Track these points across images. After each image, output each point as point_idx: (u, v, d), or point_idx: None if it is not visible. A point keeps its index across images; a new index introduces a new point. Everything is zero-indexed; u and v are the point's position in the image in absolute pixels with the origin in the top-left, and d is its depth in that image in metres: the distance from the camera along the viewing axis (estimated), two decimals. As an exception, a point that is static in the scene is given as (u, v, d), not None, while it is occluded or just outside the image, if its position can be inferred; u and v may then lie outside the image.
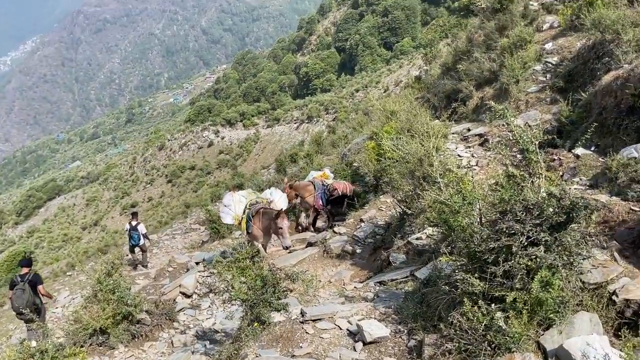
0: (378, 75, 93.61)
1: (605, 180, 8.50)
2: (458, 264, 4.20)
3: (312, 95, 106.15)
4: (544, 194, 4.08)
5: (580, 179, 9.09)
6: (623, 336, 3.76)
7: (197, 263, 12.64)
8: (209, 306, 8.90)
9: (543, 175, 4.29)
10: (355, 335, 5.10)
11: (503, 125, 13.67)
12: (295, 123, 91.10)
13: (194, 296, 10.60)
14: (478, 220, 4.37)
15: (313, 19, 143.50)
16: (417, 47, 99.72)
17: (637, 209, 6.67)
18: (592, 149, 10.15)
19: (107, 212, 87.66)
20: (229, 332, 7.38)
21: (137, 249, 16.01)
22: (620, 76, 10.20)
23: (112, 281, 7.15)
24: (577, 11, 15.65)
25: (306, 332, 5.27)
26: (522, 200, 4.02)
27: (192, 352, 6.85)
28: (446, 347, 4.33)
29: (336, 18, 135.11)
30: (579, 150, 10.16)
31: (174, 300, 10.21)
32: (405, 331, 4.85)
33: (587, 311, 4.07)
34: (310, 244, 11.70)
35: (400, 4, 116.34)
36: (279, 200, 10.93)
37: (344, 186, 13.62)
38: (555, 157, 10.12)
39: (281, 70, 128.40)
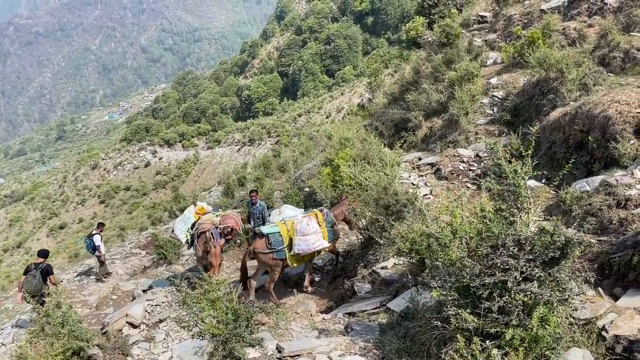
0: (320, 101, 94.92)
1: (559, 212, 8.82)
2: (449, 298, 4.13)
3: (254, 118, 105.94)
4: (534, 229, 4.12)
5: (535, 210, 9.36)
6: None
7: (144, 291, 12.01)
8: (164, 338, 8.39)
9: (532, 210, 4.33)
10: (339, 372, 4.91)
11: (454, 155, 14.07)
12: (236, 145, 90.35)
13: (142, 326, 10.03)
14: (466, 254, 4.33)
15: (256, 43, 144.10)
16: (358, 76, 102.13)
17: (595, 241, 6.92)
18: (543, 181, 10.57)
19: (33, 234, 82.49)
20: (187, 367, 6.97)
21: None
22: (567, 113, 10.72)
23: (61, 313, 6.59)
24: (520, 49, 16.48)
25: (286, 370, 5.01)
26: (513, 234, 4.03)
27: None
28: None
29: (279, 43, 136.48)
30: (531, 182, 10.55)
31: (120, 331, 9.63)
32: (390, 367, 4.72)
33: (579, 347, 4.11)
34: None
35: (342, 33, 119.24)
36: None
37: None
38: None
39: (223, 92, 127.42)
